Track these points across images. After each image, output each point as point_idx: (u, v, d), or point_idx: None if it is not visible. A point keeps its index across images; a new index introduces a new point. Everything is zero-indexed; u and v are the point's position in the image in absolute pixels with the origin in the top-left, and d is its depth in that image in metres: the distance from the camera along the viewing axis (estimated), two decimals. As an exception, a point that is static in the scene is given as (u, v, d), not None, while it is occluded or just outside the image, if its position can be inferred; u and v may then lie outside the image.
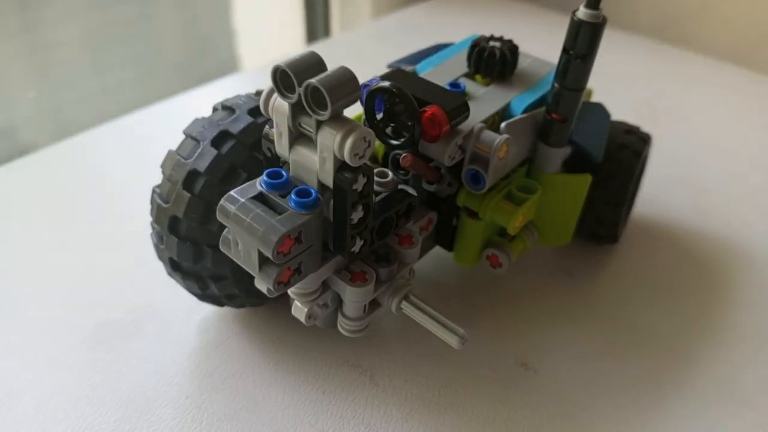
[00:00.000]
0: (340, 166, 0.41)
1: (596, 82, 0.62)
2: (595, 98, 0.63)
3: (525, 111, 0.53)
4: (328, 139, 0.40)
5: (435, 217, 0.54)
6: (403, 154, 0.48)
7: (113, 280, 0.60)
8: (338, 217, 0.43)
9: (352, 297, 0.47)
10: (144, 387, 0.52)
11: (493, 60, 0.54)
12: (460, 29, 1.12)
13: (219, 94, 0.91)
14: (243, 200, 0.42)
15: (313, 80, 0.38)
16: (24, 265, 0.62)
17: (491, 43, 0.55)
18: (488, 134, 0.49)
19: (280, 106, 0.41)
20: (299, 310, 0.47)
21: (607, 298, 0.61)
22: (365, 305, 0.48)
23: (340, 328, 0.49)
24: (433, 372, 0.54)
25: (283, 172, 0.43)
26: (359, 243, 0.45)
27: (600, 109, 0.59)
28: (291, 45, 1.27)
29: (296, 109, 0.41)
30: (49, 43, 0.98)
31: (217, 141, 0.48)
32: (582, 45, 0.48)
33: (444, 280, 0.62)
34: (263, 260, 0.42)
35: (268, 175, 0.43)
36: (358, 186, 0.41)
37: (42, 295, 0.59)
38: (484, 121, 0.51)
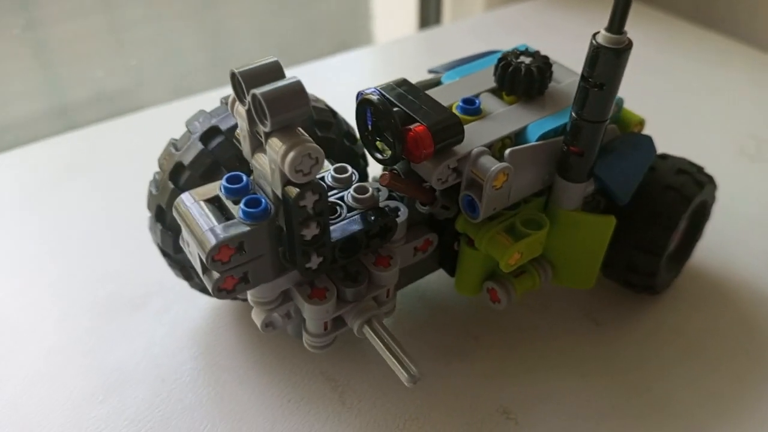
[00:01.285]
0: (288, 181, 0.39)
1: (695, 100, 0.54)
2: (685, 121, 0.55)
3: (544, 137, 0.47)
4: (274, 151, 0.38)
5: (435, 239, 0.51)
6: (382, 173, 0.45)
7: (135, 257, 0.63)
8: (289, 232, 0.41)
9: (309, 313, 0.45)
10: (129, 362, 0.54)
11: (518, 77, 0.49)
12: (572, 31, 1.04)
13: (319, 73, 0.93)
14: (196, 200, 0.42)
15: (257, 90, 0.36)
16: (59, 228, 0.66)
17: (520, 58, 0.50)
18: (486, 160, 0.45)
19: (239, 111, 0.40)
20: (257, 316, 0.46)
21: (628, 354, 0.54)
22: (326, 323, 0.46)
23: (304, 341, 0.48)
24: (404, 401, 0.51)
25: (244, 177, 0.42)
26: (316, 260, 0.43)
27: (645, 143, 0.51)
28: (404, 29, 1.26)
29: (250, 116, 0.39)
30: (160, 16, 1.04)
31: (206, 136, 0.48)
32: (601, 73, 0.42)
33: (451, 305, 0.58)
34: (205, 265, 0.41)
35: (227, 180, 0.42)
36: (307, 203, 0.39)
37: (67, 260, 0.63)
38: (490, 145, 0.46)
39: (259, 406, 0.50)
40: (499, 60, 0.50)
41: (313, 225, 0.41)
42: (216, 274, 0.41)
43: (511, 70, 0.49)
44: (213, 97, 0.81)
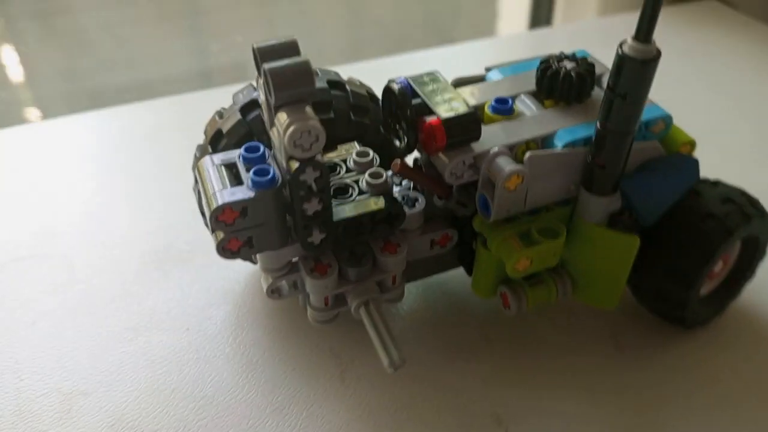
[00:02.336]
0: (291, 155, 0.41)
1: None
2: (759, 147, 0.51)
3: (571, 145, 0.46)
4: (279, 124, 0.40)
5: (455, 235, 0.51)
6: (394, 161, 0.46)
7: (193, 215, 0.67)
8: (293, 205, 0.43)
9: (310, 286, 0.47)
10: (162, 308, 0.58)
11: (556, 81, 0.48)
12: (682, 45, 0.98)
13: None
14: (216, 164, 0.45)
15: (266, 65, 0.38)
16: (125, 186, 0.72)
17: (563, 63, 0.49)
18: (503, 161, 0.44)
19: (260, 84, 0.42)
20: (264, 281, 0.49)
21: (647, 389, 0.52)
22: (327, 298, 0.48)
23: (307, 313, 0.50)
24: (400, 389, 0.51)
25: (261, 148, 0.44)
26: (319, 236, 0.44)
27: (687, 166, 0.49)
28: (515, 26, 1.25)
29: (265, 89, 0.41)
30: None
31: (246, 108, 0.51)
32: (625, 83, 0.40)
33: (472, 304, 0.58)
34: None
35: (245, 149, 0.45)
36: (307, 178, 0.41)
37: (138, 210, 0.69)
38: (512, 146, 0.46)
39: (265, 369, 0.53)
40: (541, 62, 0.49)
41: (315, 201, 0.42)
42: (221, 234, 0.43)
43: (550, 73, 0.48)
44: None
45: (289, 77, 0.38)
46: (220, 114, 0.53)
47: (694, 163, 0.49)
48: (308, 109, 0.40)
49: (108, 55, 1.25)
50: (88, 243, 0.65)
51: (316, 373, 0.53)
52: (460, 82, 0.53)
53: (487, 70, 0.57)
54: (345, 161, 0.49)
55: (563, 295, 0.51)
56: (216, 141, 0.51)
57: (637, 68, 0.39)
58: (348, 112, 0.52)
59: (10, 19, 1.21)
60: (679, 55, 0.97)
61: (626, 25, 1.05)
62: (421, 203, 0.49)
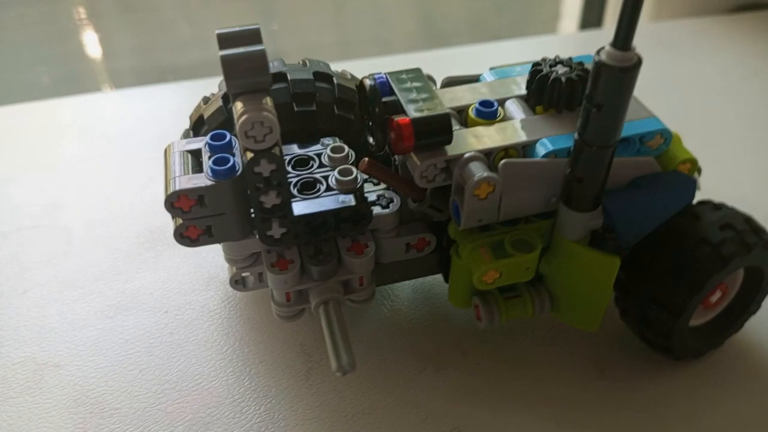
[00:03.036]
0: (245, 146, 0.40)
1: None
2: None
3: (553, 156, 0.43)
4: (235, 113, 0.39)
5: (432, 240, 0.49)
6: (362, 159, 0.44)
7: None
8: (251, 197, 0.42)
9: (270, 281, 0.46)
10: (146, 289, 0.58)
11: (544, 86, 0.45)
12: (736, 57, 0.92)
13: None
14: (181, 150, 0.44)
15: (221, 52, 0.38)
16: (144, 163, 0.73)
17: (555, 67, 0.46)
18: (475, 166, 0.42)
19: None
20: (229, 271, 0.48)
21: (627, 420, 0.48)
22: (288, 294, 0.47)
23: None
24: (363, 394, 0.50)
25: (228, 136, 0.44)
26: (279, 230, 0.43)
27: (681, 186, 0.45)
28: (566, 27, 1.21)
29: (226, 77, 0.40)
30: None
31: (228, 95, 0.50)
32: (602, 93, 0.37)
33: (454, 312, 0.55)
34: (173, 209, 0.44)
35: (211, 137, 0.44)
36: (262, 171, 0.40)
37: (140, 191, 0.69)
38: (489, 152, 0.44)
39: (233, 359, 0.53)
40: (533, 65, 0.47)
41: (272, 194, 0.41)
42: (179, 221, 0.43)
43: (539, 78, 0.45)
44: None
45: (242, 66, 0.37)
46: (206, 100, 0.52)
47: (691, 183, 0.45)
48: (266, 100, 0.39)
49: (180, 34, 1.29)
50: (92, 218, 0.66)
51: (282, 368, 0.52)
52: (451, 82, 0.51)
53: (492, 69, 0.55)
54: (320, 156, 0.48)
55: (540, 312, 0.48)
56: (198, 127, 0.51)
57: (614, 77, 0.37)
58: (332, 106, 0.50)
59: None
60: (735, 67, 0.91)
61: (678, 31, 1.00)
62: (396, 204, 0.47)
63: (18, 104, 0.85)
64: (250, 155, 0.39)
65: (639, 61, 0.36)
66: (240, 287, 0.49)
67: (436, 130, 0.42)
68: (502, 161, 0.42)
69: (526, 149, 0.44)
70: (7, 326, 0.56)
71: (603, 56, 0.36)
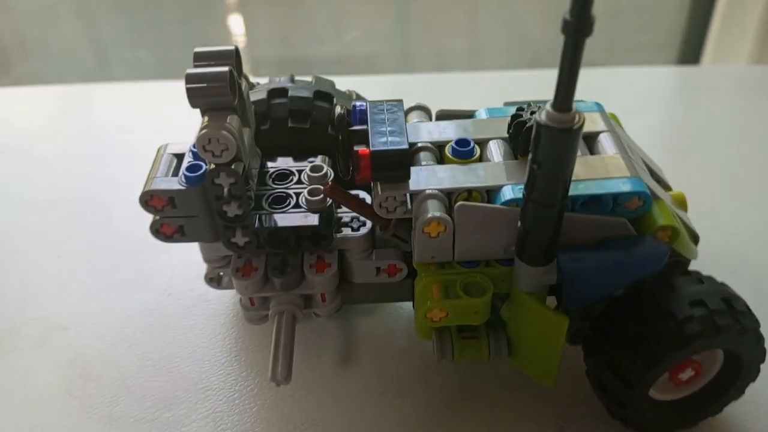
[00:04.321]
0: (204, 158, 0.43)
1: None
2: None
3: (514, 203, 0.43)
4: (199, 127, 0.42)
5: (404, 267, 0.50)
6: (327, 182, 0.46)
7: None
8: (214, 204, 0.45)
9: (234, 284, 0.48)
10: (160, 271, 0.63)
11: (519, 132, 0.44)
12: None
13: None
14: (169, 152, 0.48)
15: (189, 69, 0.40)
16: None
17: (536, 112, 0.45)
18: (432, 205, 0.42)
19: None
20: (206, 269, 0.51)
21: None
22: (251, 299, 0.49)
23: (242, 308, 0.52)
24: (312, 405, 0.51)
25: (209, 145, 0.47)
26: (242, 238, 0.46)
27: (651, 254, 0.42)
28: (663, 58, 1.15)
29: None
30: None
31: (272, 93, 0.53)
32: (542, 152, 0.36)
33: (428, 345, 0.55)
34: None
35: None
36: (222, 183, 0.43)
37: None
38: (450, 192, 0.44)
39: (212, 350, 0.56)
40: (517, 109, 0.46)
41: (234, 205, 0.44)
42: (156, 217, 0.47)
43: (516, 123, 0.45)
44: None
45: (203, 85, 0.40)
46: (252, 86, 0.55)
47: (661, 251, 0.42)
48: (231, 118, 0.41)
49: (320, 28, 1.36)
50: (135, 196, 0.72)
51: (253, 366, 0.55)
52: (444, 115, 0.51)
53: (505, 104, 0.54)
54: (301, 172, 0.49)
55: (496, 356, 0.48)
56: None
57: (553, 138, 0.36)
58: (326, 125, 0.52)
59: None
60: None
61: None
62: (366, 228, 0.48)
63: (156, 81, 0.93)
64: (212, 166, 0.42)
65: (578, 125, 0.35)
66: (214, 285, 0.52)
67: (393, 164, 0.42)
68: (457, 204, 0.42)
69: (491, 193, 0.44)
70: (34, 285, 0.62)
71: (542, 116, 0.36)
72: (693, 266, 0.48)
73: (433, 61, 1.35)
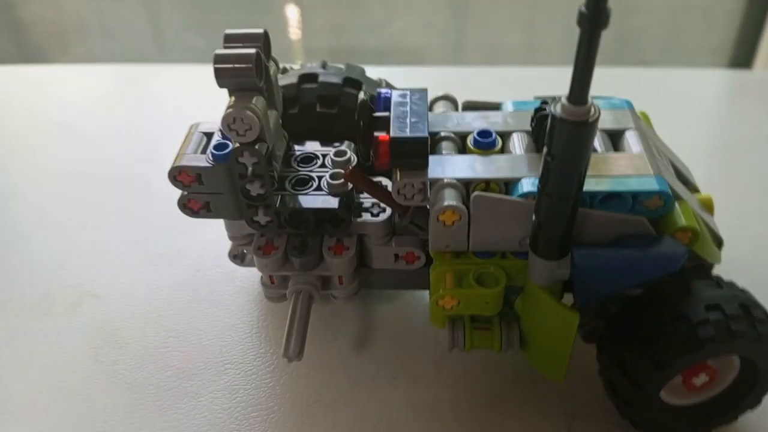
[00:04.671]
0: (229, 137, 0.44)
1: None
2: None
3: (531, 196, 0.43)
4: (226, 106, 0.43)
5: (422, 256, 0.50)
6: (349, 166, 0.47)
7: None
8: (237, 183, 0.46)
9: (255, 262, 0.50)
10: (192, 247, 0.65)
11: (540, 125, 0.44)
12: None
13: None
14: (201, 130, 0.49)
15: (217, 50, 0.42)
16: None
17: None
18: (447, 193, 0.43)
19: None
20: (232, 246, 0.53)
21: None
22: (272, 277, 0.50)
23: (264, 287, 0.53)
24: (333, 384, 0.53)
25: (238, 124, 0.48)
26: (264, 218, 0.47)
27: (670, 252, 0.42)
28: (714, 62, 1.12)
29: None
30: None
31: (303, 78, 0.54)
32: (556, 145, 0.36)
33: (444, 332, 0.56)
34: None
35: (225, 121, 0.48)
36: (245, 161, 0.44)
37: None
38: (468, 182, 0.44)
39: (236, 324, 0.58)
40: (541, 103, 0.46)
41: (257, 184, 0.45)
42: (184, 192, 0.48)
43: (539, 116, 0.45)
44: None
45: (230, 65, 0.41)
46: (284, 70, 0.55)
47: (678, 253, 0.42)
48: (257, 99, 0.43)
49: (374, 17, 1.37)
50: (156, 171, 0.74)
51: (273, 344, 0.56)
52: (470, 105, 0.51)
53: (536, 98, 0.54)
54: (325, 156, 0.50)
55: (508, 348, 0.48)
56: None
57: (567, 131, 0.35)
58: (354, 111, 0.52)
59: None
60: None
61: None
62: (386, 214, 0.49)
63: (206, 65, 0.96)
64: (236, 145, 0.43)
65: (594, 117, 0.35)
66: (237, 262, 0.54)
67: (412, 152, 0.43)
68: (474, 194, 0.43)
69: (509, 185, 0.44)
70: (72, 254, 0.65)
71: (558, 109, 0.35)
72: (719, 272, 0.48)
73: (485, 55, 1.34)
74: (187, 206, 0.49)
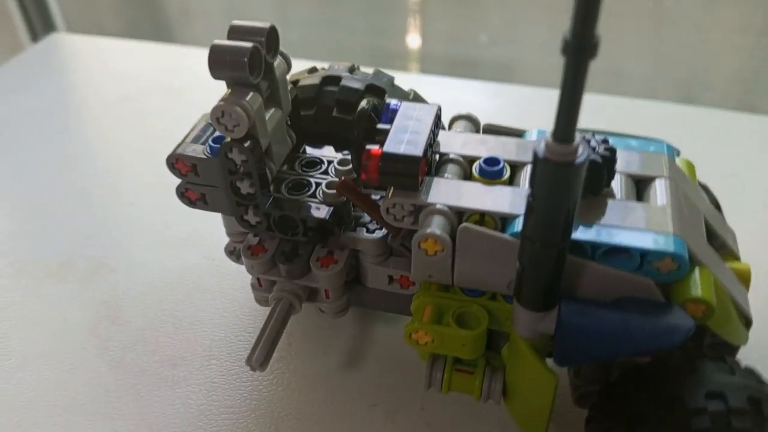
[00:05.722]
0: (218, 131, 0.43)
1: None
2: None
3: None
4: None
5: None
6: (342, 177, 0.44)
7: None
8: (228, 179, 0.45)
9: (243, 261, 0.48)
10: (212, 234, 0.64)
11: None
12: None
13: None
14: (208, 120, 0.49)
15: (215, 41, 0.41)
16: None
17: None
18: (434, 220, 0.40)
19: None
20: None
21: None
22: (259, 279, 0.49)
23: (256, 287, 0.51)
24: (309, 399, 0.50)
25: (243, 120, 0.47)
26: (253, 217, 0.46)
27: (674, 324, 0.36)
28: None
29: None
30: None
31: (327, 79, 0.51)
32: (537, 185, 0.32)
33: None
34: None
35: (229, 115, 0.47)
36: (234, 158, 0.42)
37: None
38: (463, 211, 0.40)
39: (231, 322, 0.57)
40: (557, 136, 0.41)
41: (247, 182, 0.44)
42: (182, 180, 0.48)
43: (551, 151, 0.40)
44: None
45: (224, 58, 0.40)
46: (311, 70, 0.54)
47: (683, 326, 0.36)
48: (252, 96, 0.41)
49: (495, 31, 1.33)
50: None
51: (244, 351, 0.54)
52: (489, 130, 0.47)
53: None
54: (330, 163, 0.48)
55: (489, 397, 0.44)
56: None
57: (550, 171, 0.31)
58: (373, 120, 0.50)
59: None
60: None
61: None
62: (382, 232, 0.46)
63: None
64: (227, 141, 0.42)
65: (581, 159, 0.31)
66: (233, 258, 0.53)
67: (401, 170, 0.40)
68: (461, 225, 0.39)
69: (506, 221, 0.40)
70: (100, 226, 0.67)
71: (541, 147, 0.31)
72: (750, 355, 0.42)
73: (606, 82, 1.25)
74: (185, 195, 0.48)
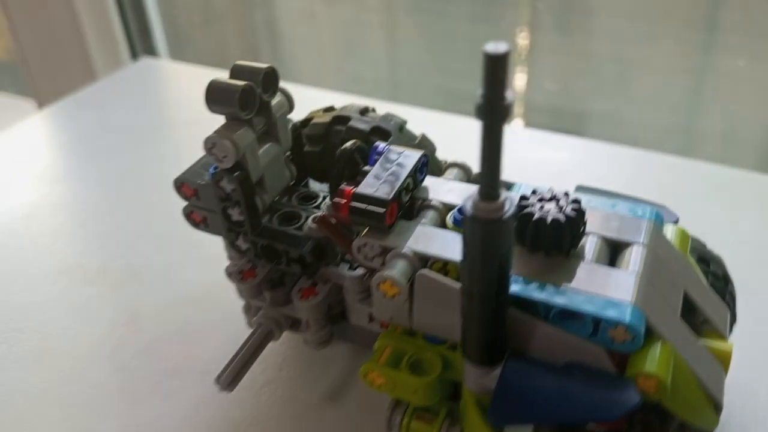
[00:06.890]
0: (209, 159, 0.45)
1: None
2: None
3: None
4: (216, 131, 0.45)
5: (394, 323, 0.48)
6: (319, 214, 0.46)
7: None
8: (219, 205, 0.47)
9: (235, 285, 0.51)
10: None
11: (523, 223, 0.39)
12: None
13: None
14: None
15: (213, 78, 0.44)
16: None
17: (544, 204, 0.39)
18: (398, 264, 0.40)
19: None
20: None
21: None
22: (248, 303, 0.51)
23: (249, 309, 0.54)
24: (285, 418, 0.52)
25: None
26: (244, 244, 0.48)
27: (617, 396, 0.35)
28: None
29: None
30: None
31: (336, 119, 0.54)
32: (469, 244, 0.33)
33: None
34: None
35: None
36: (224, 186, 0.45)
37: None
38: (428, 258, 0.41)
39: (230, 335, 0.58)
40: (521, 198, 0.41)
41: (237, 210, 0.46)
42: (187, 203, 0.51)
43: (522, 214, 0.40)
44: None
45: (218, 94, 0.43)
46: (328, 109, 0.57)
47: (626, 402, 0.35)
48: (243, 131, 0.44)
49: (604, 85, 1.24)
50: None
51: (251, 371, 0.56)
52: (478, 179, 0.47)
53: (577, 189, 0.49)
54: (325, 198, 0.50)
55: (445, 444, 0.43)
56: (304, 123, 0.56)
57: (478, 228, 0.32)
58: (355, 161, 0.51)
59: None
60: None
61: None
62: (362, 270, 0.47)
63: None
64: (219, 170, 0.45)
65: (507, 217, 0.31)
66: (233, 279, 0.55)
67: (368, 211, 0.41)
68: (419, 272, 0.40)
69: (469, 274, 0.40)
70: (138, 235, 0.72)
71: (468, 205, 0.32)
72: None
73: (723, 149, 1.16)
74: (190, 216, 0.51)
